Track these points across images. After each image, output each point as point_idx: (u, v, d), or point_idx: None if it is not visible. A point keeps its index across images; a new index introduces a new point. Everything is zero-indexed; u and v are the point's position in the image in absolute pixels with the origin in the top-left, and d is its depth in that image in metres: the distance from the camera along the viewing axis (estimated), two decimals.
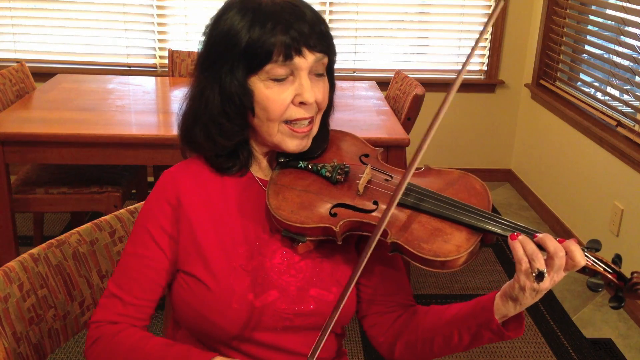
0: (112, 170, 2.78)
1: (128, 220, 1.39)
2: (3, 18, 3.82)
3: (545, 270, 0.93)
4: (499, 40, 4.01)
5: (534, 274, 0.93)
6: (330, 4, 3.91)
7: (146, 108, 2.75)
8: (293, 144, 1.10)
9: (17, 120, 2.50)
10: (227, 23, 1.05)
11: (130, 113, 2.65)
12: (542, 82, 3.85)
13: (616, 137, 2.95)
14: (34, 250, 1.23)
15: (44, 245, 1.25)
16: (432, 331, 1.09)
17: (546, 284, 0.94)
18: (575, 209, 3.40)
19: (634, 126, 2.88)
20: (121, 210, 1.40)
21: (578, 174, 3.37)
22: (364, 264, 0.95)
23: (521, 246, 0.95)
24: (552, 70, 3.76)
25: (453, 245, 1.00)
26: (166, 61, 3.85)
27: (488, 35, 4.04)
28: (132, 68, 3.97)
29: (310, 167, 1.13)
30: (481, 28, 4.05)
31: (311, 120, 1.10)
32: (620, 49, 3.03)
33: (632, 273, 0.97)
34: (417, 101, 2.75)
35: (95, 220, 1.36)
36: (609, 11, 3.20)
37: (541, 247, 0.95)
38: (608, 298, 1.00)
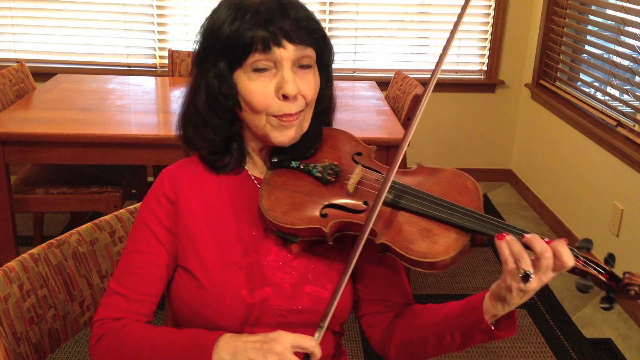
0: (112, 170, 2.78)
1: (128, 220, 1.39)
2: (3, 18, 3.82)
3: (531, 271, 0.92)
4: (499, 40, 4.01)
5: (520, 275, 0.92)
6: (330, 4, 3.91)
7: (146, 108, 2.75)
8: (281, 135, 1.09)
9: (17, 120, 2.50)
10: (214, 19, 1.07)
11: (130, 113, 2.65)
12: (542, 82, 3.85)
13: (616, 137, 2.95)
14: (34, 250, 1.23)
15: (44, 245, 1.25)
16: (425, 331, 1.10)
17: (533, 285, 0.93)
18: (575, 209, 3.40)
19: (634, 126, 2.88)
20: (121, 210, 1.40)
21: (578, 174, 3.37)
22: (352, 266, 0.95)
23: (507, 246, 0.94)
24: (552, 70, 3.76)
25: (442, 246, 1.00)
26: (166, 61, 3.85)
27: (488, 36, 4.04)
28: (132, 68, 3.97)
29: (302, 167, 1.13)
30: (481, 28, 4.05)
31: (297, 113, 1.09)
32: (620, 49, 3.03)
33: (624, 273, 0.96)
34: (417, 101, 2.75)
35: (95, 220, 1.36)
36: (609, 11, 3.20)
37: (529, 248, 0.94)
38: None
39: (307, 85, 1.08)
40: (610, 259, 0.98)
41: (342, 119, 2.71)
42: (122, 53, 3.95)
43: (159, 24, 3.90)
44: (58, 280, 1.27)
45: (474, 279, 3.04)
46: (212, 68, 1.07)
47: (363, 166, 1.14)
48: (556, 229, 3.59)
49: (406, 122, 2.76)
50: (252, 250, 1.12)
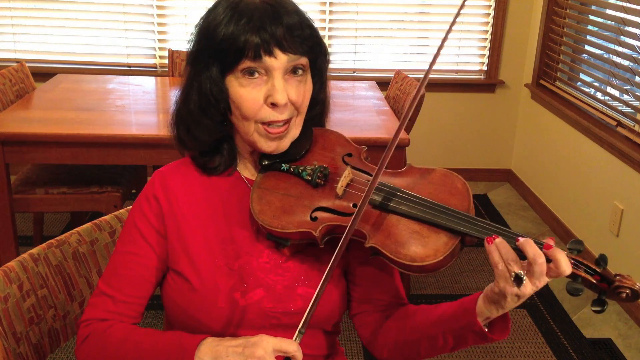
0: (112, 170, 2.78)
1: None
2: (3, 18, 3.82)
3: (522, 273, 0.91)
4: (499, 40, 4.01)
5: (511, 278, 0.91)
6: (330, 4, 3.91)
7: (146, 108, 2.75)
8: (267, 145, 1.09)
9: (17, 120, 2.50)
10: (211, 18, 1.07)
11: (130, 113, 2.65)
12: (542, 82, 3.85)
13: (616, 137, 2.95)
14: (34, 250, 1.23)
15: (44, 245, 1.25)
16: (418, 332, 1.09)
17: (527, 289, 0.91)
18: (575, 209, 3.40)
19: (634, 126, 2.88)
20: (121, 210, 1.40)
21: (578, 174, 3.37)
22: (332, 270, 0.95)
23: (497, 250, 0.93)
24: (552, 70, 3.76)
25: (430, 249, 0.99)
26: (166, 61, 3.85)
27: (488, 36, 4.04)
28: (132, 68, 3.97)
29: (292, 169, 1.13)
30: (481, 28, 4.05)
31: (287, 122, 1.08)
32: (620, 49, 3.03)
33: (616, 275, 0.94)
34: (417, 101, 2.75)
35: (95, 220, 1.36)
36: (609, 11, 3.20)
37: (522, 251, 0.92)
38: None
39: (298, 92, 1.07)
40: (601, 260, 0.96)
41: (342, 119, 2.72)
42: (122, 53, 3.95)
43: (159, 24, 3.90)
44: (58, 280, 1.27)
45: (474, 279, 3.04)
46: (205, 70, 1.07)
47: (353, 167, 1.14)
48: (556, 229, 3.59)
49: (407, 123, 2.75)
50: (244, 252, 1.12)
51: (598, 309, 0.94)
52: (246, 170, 1.18)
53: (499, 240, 0.94)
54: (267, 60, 1.03)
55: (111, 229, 1.37)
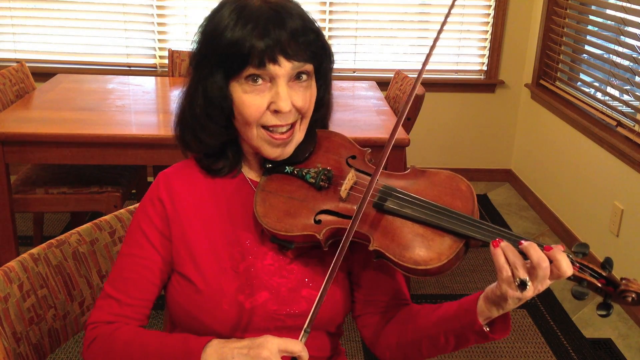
0: (112, 170, 2.78)
1: (128, 220, 1.39)
2: (3, 18, 3.82)
3: (527, 279, 0.90)
4: (499, 40, 4.01)
5: (516, 283, 0.91)
6: (330, 4, 3.91)
7: (146, 108, 2.75)
8: (271, 152, 1.09)
9: (17, 120, 2.50)
10: (216, 20, 1.05)
11: (130, 113, 2.65)
12: (542, 82, 3.85)
13: (616, 137, 2.95)
14: (34, 250, 1.23)
15: (44, 245, 1.25)
16: (420, 332, 1.09)
17: (529, 293, 0.91)
18: (575, 209, 3.40)
19: (634, 126, 2.88)
20: (121, 210, 1.40)
21: (578, 174, 3.37)
22: (335, 271, 0.95)
23: (502, 254, 0.92)
24: (552, 70, 3.76)
25: (435, 252, 0.99)
26: (166, 61, 3.85)
27: (488, 36, 4.04)
28: (132, 68, 3.97)
29: (296, 172, 1.12)
30: (481, 28, 4.05)
31: (290, 127, 1.08)
32: (620, 49, 3.03)
33: (621, 279, 0.94)
34: (417, 101, 2.75)
35: (95, 220, 1.36)
36: (609, 11, 3.20)
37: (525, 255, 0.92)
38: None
39: (302, 98, 1.07)
40: (607, 264, 0.95)
41: (342, 119, 2.72)
42: (122, 53, 3.95)
43: (159, 24, 3.90)
44: (58, 280, 1.27)
45: (474, 279, 3.04)
46: (210, 75, 1.06)
47: (356, 170, 1.13)
48: (556, 229, 3.59)
49: (406, 122, 2.76)
50: (248, 255, 1.11)
51: (603, 312, 0.94)
52: (251, 172, 1.18)
53: (504, 244, 0.93)
54: (271, 67, 1.02)
55: (111, 229, 1.37)
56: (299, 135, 1.11)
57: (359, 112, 2.78)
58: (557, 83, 3.72)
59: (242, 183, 1.16)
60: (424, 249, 1.00)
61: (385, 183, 1.09)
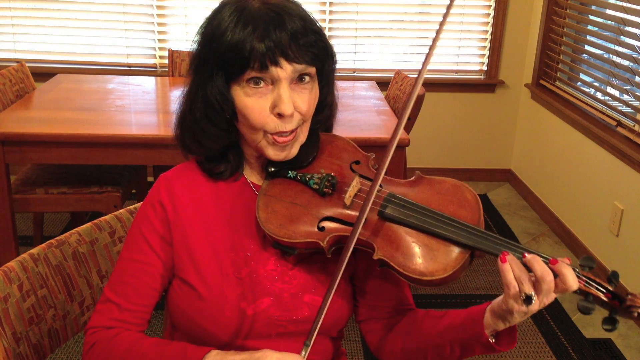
0: (112, 170, 2.78)
1: (128, 220, 1.39)
2: (3, 18, 3.82)
3: (533, 293, 0.90)
4: (499, 40, 4.01)
5: (521, 298, 0.90)
6: (330, 4, 3.91)
7: (146, 108, 2.75)
8: (276, 154, 1.08)
9: (17, 120, 2.50)
10: (216, 22, 1.04)
11: (130, 113, 2.65)
12: (542, 82, 3.85)
13: (616, 137, 2.95)
14: (34, 250, 1.23)
15: (43, 245, 1.25)
16: (426, 340, 1.08)
17: (535, 307, 0.90)
18: (575, 209, 3.40)
19: (634, 126, 2.88)
20: (121, 210, 1.40)
21: (578, 174, 3.37)
22: (337, 280, 0.94)
23: (511, 269, 0.91)
24: (552, 70, 3.76)
25: (440, 263, 0.98)
26: (166, 61, 3.85)
27: (488, 36, 4.04)
28: (132, 68, 3.97)
29: (299, 177, 1.11)
30: (481, 28, 4.05)
31: (293, 130, 1.06)
32: (620, 49, 3.03)
33: (628, 294, 0.93)
34: (417, 101, 2.75)
35: (95, 220, 1.36)
36: (609, 11, 3.20)
37: (529, 268, 0.91)
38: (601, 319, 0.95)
39: (304, 101, 1.05)
40: (613, 277, 0.94)
41: (342, 119, 2.71)
42: (122, 53, 3.95)
43: (159, 24, 3.90)
44: (58, 280, 1.27)
45: (474, 279, 3.04)
46: (210, 79, 1.04)
47: (360, 176, 1.12)
48: (556, 229, 3.59)
49: (406, 122, 2.75)
50: (250, 260, 1.10)
51: (609, 327, 0.93)
52: (253, 176, 1.16)
53: (510, 257, 0.92)
54: (273, 70, 1.00)
55: (111, 229, 1.37)
56: (302, 136, 1.10)
57: (359, 112, 2.78)
58: (557, 83, 3.72)
59: (244, 186, 1.15)
60: (429, 259, 0.98)
61: (390, 190, 1.08)
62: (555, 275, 0.90)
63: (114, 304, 1.11)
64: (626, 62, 3.01)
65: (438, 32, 1.02)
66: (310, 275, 1.12)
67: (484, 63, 4.11)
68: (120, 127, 2.48)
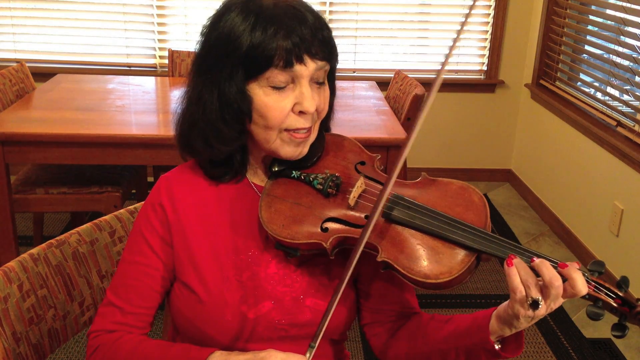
0: (112, 170, 2.78)
1: (128, 220, 1.39)
2: (3, 18, 3.82)
3: (539, 298, 0.88)
4: (499, 40, 4.01)
5: (528, 302, 0.89)
6: (330, 4, 3.91)
7: (146, 108, 2.75)
8: (290, 151, 1.07)
9: (17, 120, 2.50)
10: (228, 25, 1.01)
11: (130, 113, 2.65)
12: (542, 82, 3.85)
13: (616, 137, 2.95)
14: (34, 250, 1.23)
15: (43, 245, 1.25)
16: (430, 345, 1.07)
17: (542, 312, 0.89)
18: (575, 209, 3.40)
19: (634, 126, 2.88)
20: (121, 210, 1.40)
21: (578, 174, 3.37)
22: (344, 284, 0.93)
23: (517, 274, 0.89)
24: (552, 70, 3.76)
25: (445, 266, 0.96)
26: (166, 61, 3.85)
27: (488, 36, 4.04)
28: (132, 68, 3.97)
29: (303, 177, 1.10)
30: (481, 28, 4.05)
31: (310, 129, 1.06)
32: (620, 49, 3.03)
33: (638, 301, 0.91)
34: (417, 101, 2.75)
35: (95, 220, 1.36)
36: (609, 11, 3.20)
37: (537, 272, 0.90)
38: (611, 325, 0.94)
39: (322, 100, 1.06)
40: (622, 283, 0.92)
41: (342, 119, 2.71)
42: (122, 53, 3.95)
43: (159, 24, 3.90)
44: (58, 280, 1.27)
45: (474, 279, 3.04)
46: (229, 79, 1.02)
47: (365, 177, 1.10)
48: (556, 229, 3.59)
49: (406, 123, 2.76)
50: (252, 263, 1.09)
51: (619, 334, 0.91)
52: (255, 177, 1.15)
53: (517, 260, 0.91)
54: (298, 67, 1.00)
55: (111, 229, 1.37)
56: (313, 135, 1.09)
57: (359, 112, 2.78)
58: (557, 83, 3.72)
59: (247, 188, 1.14)
60: (434, 262, 0.97)
61: (395, 192, 1.06)
62: (564, 279, 0.89)
63: (116, 307, 1.10)
64: (626, 62, 3.01)
65: (459, 32, 1.01)
66: (313, 278, 1.11)
67: (484, 63, 4.11)
68: (120, 127, 2.48)
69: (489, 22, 4.02)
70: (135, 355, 1.04)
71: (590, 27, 3.42)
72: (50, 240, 1.27)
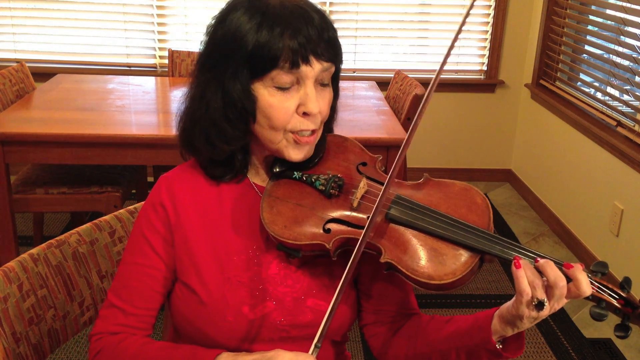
0: (112, 170, 2.78)
1: (128, 220, 1.39)
2: (3, 18, 3.82)
3: (545, 299, 0.88)
4: (499, 40, 4.01)
5: (533, 303, 0.89)
6: (330, 4, 3.91)
7: (146, 108, 2.75)
8: (295, 154, 1.06)
9: (17, 120, 2.50)
10: (234, 24, 1.01)
11: (130, 113, 2.65)
12: (542, 82, 3.85)
13: (616, 137, 2.95)
14: (34, 251, 1.23)
15: (43, 245, 1.25)
16: (431, 346, 1.07)
17: (546, 312, 0.89)
18: (575, 209, 3.40)
19: (634, 126, 2.88)
20: (121, 210, 1.40)
21: (578, 174, 3.37)
22: (346, 283, 0.93)
23: (525, 276, 0.89)
24: (552, 70, 3.76)
25: (449, 267, 0.96)
26: (166, 61, 3.85)
27: (488, 36, 4.04)
28: (132, 68, 3.97)
29: (304, 178, 1.09)
30: (481, 28, 4.05)
31: (314, 131, 1.06)
32: (620, 49, 3.03)
33: None
34: (417, 101, 2.75)
35: (95, 220, 1.36)
36: (609, 11, 3.20)
37: (541, 273, 0.90)
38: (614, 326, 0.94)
39: (325, 102, 1.06)
40: (625, 284, 0.93)
41: (342, 119, 2.69)
42: (122, 53, 3.95)
43: (159, 24, 3.90)
44: (58, 280, 1.27)
45: (474, 279, 3.02)
46: (233, 78, 1.02)
47: (368, 178, 1.10)
48: (556, 229, 3.59)
49: (406, 123, 2.76)
50: (253, 264, 1.09)
51: (622, 334, 0.91)
52: (257, 177, 1.15)
53: (524, 262, 0.91)
54: (303, 68, 1.00)
55: (111, 229, 1.37)
56: (318, 137, 1.09)
57: (359, 112, 2.78)
58: (557, 83, 3.72)
59: (248, 188, 1.13)
60: (437, 263, 0.97)
61: (398, 193, 1.06)
62: (569, 280, 0.89)
63: (118, 309, 1.10)
64: (626, 62, 3.01)
65: (457, 32, 1.02)
66: (314, 279, 1.10)
67: (484, 63, 4.11)
68: (120, 127, 2.48)
69: (489, 22, 4.02)
70: (139, 357, 1.04)
71: (590, 27, 3.42)
72: (50, 241, 1.27)
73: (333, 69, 1.06)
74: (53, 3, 3.81)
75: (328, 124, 1.16)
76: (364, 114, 2.77)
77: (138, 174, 2.99)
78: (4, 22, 3.82)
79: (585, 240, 3.26)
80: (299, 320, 1.09)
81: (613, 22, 3.12)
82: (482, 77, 4.14)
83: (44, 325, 1.24)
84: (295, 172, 1.10)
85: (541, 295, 0.88)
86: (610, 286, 0.92)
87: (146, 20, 3.89)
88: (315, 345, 0.93)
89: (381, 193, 0.97)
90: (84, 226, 1.33)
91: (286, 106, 1.02)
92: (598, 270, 0.94)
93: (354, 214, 1.05)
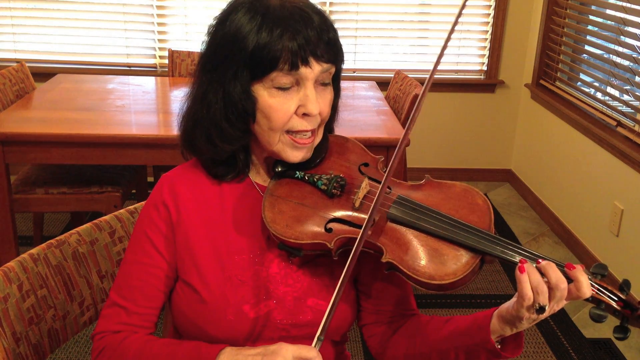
0: (112, 170, 2.78)
1: (128, 220, 1.39)
2: (3, 18, 3.82)
3: (547, 304, 0.89)
4: (499, 40, 4.01)
5: (535, 307, 0.89)
6: (330, 4, 3.91)
7: (146, 108, 2.75)
8: (293, 155, 1.07)
9: (17, 120, 2.50)
10: (235, 25, 1.02)
11: (130, 113, 2.65)
12: (542, 82, 3.85)
13: (616, 137, 2.95)
14: (34, 251, 1.23)
15: (43, 245, 1.25)
16: (429, 346, 1.07)
17: (545, 314, 0.90)
18: (575, 209, 3.40)
19: (634, 126, 2.88)
20: (121, 210, 1.40)
21: (578, 174, 3.37)
22: (345, 281, 0.93)
23: (529, 280, 0.89)
24: (552, 70, 3.76)
25: (450, 267, 0.97)
26: (166, 61, 3.85)
27: (488, 36, 4.04)
28: (132, 68, 3.97)
29: (307, 177, 1.10)
30: (481, 28, 4.05)
31: (313, 132, 1.06)
32: (620, 49, 3.03)
33: (639, 302, 0.92)
34: (415, 101, 2.75)
35: (95, 220, 1.36)
36: (609, 11, 3.20)
37: (543, 274, 0.90)
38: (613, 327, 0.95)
39: (325, 103, 1.06)
40: (625, 286, 0.93)
41: (342, 119, 2.68)
42: (122, 53, 3.95)
43: (159, 24, 3.90)
44: (58, 280, 1.27)
45: (474, 279, 3.03)
46: (234, 79, 1.02)
47: (369, 178, 1.11)
48: (556, 229, 3.59)
49: (406, 122, 2.76)
50: (254, 263, 1.09)
51: (620, 336, 0.91)
52: (258, 177, 1.15)
53: (528, 265, 0.91)
54: (303, 70, 1.00)
55: (111, 229, 1.37)
56: (318, 138, 1.09)
57: (359, 112, 2.78)
58: (557, 83, 3.72)
59: (249, 187, 1.14)
60: (438, 263, 0.97)
61: (400, 194, 1.07)
62: (570, 281, 0.89)
63: (121, 308, 1.10)
64: (626, 62, 3.01)
65: (450, 32, 1.02)
66: (315, 278, 1.11)
67: (484, 63, 4.11)
68: (120, 127, 2.48)
69: (489, 22, 4.02)
70: (143, 354, 1.04)
71: (590, 27, 3.42)
72: (50, 241, 1.27)
73: (333, 70, 1.06)
74: (53, 3, 3.81)
75: (329, 123, 1.17)
76: (364, 114, 2.77)
77: (138, 174, 2.99)
78: (4, 22, 3.82)
79: (585, 240, 3.26)
80: (299, 319, 1.09)
81: (613, 22, 3.12)
82: (482, 77, 4.14)
83: (44, 325, 1.24)
84: (297, 172, 1.11)
85: (544, 301, 0.89)
86: (610, 288, 0.93)
87: (146, 20, 3.89)
88: (318, 338, 0.93)
89: (380, 187, 0.97)
90: (84, 226, 1.33)
91: (286, 107, 1.03)
92: (598, 272, 0.94)
93: (356, 214, 1.05)
